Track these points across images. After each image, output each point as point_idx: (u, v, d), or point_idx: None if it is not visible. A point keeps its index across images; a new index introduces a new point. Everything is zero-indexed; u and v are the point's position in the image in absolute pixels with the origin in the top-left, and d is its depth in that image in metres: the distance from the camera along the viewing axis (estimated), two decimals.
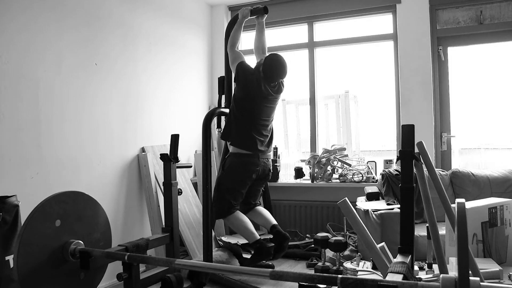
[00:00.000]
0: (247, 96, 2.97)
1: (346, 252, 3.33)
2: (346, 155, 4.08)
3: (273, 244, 2.94)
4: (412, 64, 3.97)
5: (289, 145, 4.69)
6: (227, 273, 2.92)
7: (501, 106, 3.90)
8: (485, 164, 3.98)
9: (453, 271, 2.01)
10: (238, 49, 3.20)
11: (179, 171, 3.69)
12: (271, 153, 3.16)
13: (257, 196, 3.21)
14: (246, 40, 4.88)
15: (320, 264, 3.02)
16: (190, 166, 3.28)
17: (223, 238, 3.70)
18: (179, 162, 2.80)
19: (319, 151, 4.32)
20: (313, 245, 3.63)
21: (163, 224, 3.01)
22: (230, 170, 2.99)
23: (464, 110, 4.00)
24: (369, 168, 3.99)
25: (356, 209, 3.24)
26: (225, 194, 2.97)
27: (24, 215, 2.07)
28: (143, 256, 2.09)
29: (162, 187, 3.03)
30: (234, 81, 3.05)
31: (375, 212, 3.11)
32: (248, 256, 3.48)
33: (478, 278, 1.21)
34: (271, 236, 3.05)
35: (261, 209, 3.18)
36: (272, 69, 2.95)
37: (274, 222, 3.08)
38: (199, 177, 4.10)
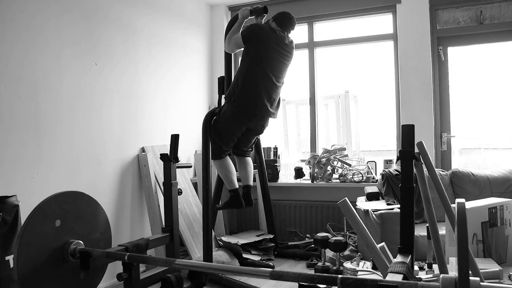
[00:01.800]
0: (260, 46, 3.01)
1: (346, 252, 3.33)
2: (346, 155, 4.08)
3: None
4: (412, 64, 3.97)
5: (289, 145, 4.69)
6: (227, 273, 2.92)
7: (501, 106, 3.90)
8: (485, 164, 3.98)
9: (453, 271, 2.01)
10: None
11: (179, 171, 3.69)
12: (272, 114, 3.17)
13: (248, 145, 3.35)
14: None
15: (320, 264, 3.02)
16: (190, 166, 3.28)
17: (223, 238, 3.70)
18: (179, 162, 2.80)
19: (319, 151, 4.32)
20: (313, 245, 3.63)
21: (163, 224, 3.02)
22: (225, 118, 3.08)
23: (464, 110, 4.00)
24: (369, 168, 3.99)
25: (356, 209, 3.24)
26: (216, 138, 3.13)
27: (24, 215, 2.07)
28: (143, 256, 2.09)
29: (162, 187, 3.03)
30: (244, 43, 3.06)
31: (375, 212, 3.11)
32: (248, 256, 3.49)
33: (478, 278, 1.21)
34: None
35: (248, 162, 3.38)
36: (283, 15, 3.20)
37: (250, 183, 3.34)
38: (199, 177, 4.10)
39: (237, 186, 3.23)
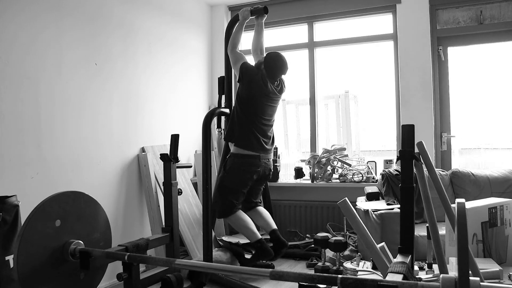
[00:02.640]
0: (252, 95, 2.99)
1: (346, 252, 3.33)
2: (346, 155, 4.08)
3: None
4: (412, 64, 3.97)
5: (289, 145, 4.69)
6: (227, 273, 2.92)
7: (501, 106, 3.90)
8: (485, 164, 3.97)
9: (453, 271, 2.01)
10: (239, 50, 3.20)
11: (179, 171, 3.69)
12: (272, 154, 3.19)
13: (258, 195, 3.24)
14: (246, 40, 4.88)
15: (320, 264, 3.02)
16: (190, 166, 3.28)
17: (223, 238, 3.70)
18: (179, 162, 2.80)
19: (319, 151, 4.32)
20: (313, 245, 3.63)
21: (163, 224, 3.01)
22: (232, 171, 3.00)
23: (464, 110, 4.00)
24: (369, 168, 3.99)
25: (356, 209, 3.24)
26: (227, 195, 3.00)
27: (24, 215, 2.07)
28: (143, 256, 2.09)
29: (162, 187, 3.03)
30: (238, 82, 3.06)
31: (375, 212, 3.11)
32: (249, 256, 3.48)
33: (478, 278, 1.21)
34: (269, 237, 3.07)
35: (262, 210, 3.21)
36: (274, 65, 3.02)
37: (274, 226, 3.11)
38: (199, 177, 4.10)
39: (260, 236, 3.00)
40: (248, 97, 2.99)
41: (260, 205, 3.25)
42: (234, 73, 3.20)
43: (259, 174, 3.05)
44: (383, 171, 3.60)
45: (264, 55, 3.15)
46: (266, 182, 3.27)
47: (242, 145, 2.99)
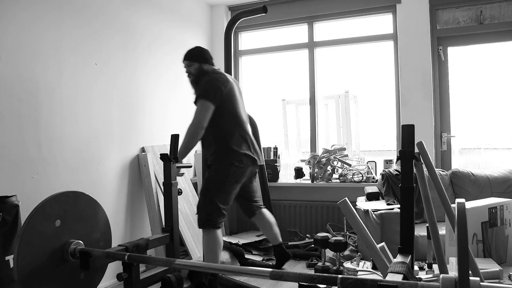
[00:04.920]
0: (230, 99, 2.91)
1: (346, 252, 3.33)
2: (346, 155, 4.08)
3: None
4: (412, 64, 3.97)
5: (289, 145, 4.68)
6: (227, 273, 2.91)
7: (501, 106, 3.90)
8: (485, 164, 3.98)
9: (453, 271, 2.01)
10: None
11: None
12: (260, 151, 3.06)
13: (256, 194, 3.04)
14: (246, 41, 4.89)
15: (320, 264, 3.02)
16: (190, 166, 3.27)
17: (224, 238, 3.69)
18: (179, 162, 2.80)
19: (319, 151, 4.32)
20: (313, 245, 3.63)
21: (163, 224, 3.01)
22: (225, 169, 2.72)
23: (464, 110, 4.00)
24: (369, 168, 3.99)
25: (356, 209, 3.24)
26: (213, 198, 2.67)
27: (24, 215, 2.07)
28: (143, 256, 2.09)
29: (162, 187, 3.03)
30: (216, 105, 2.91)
31: (375, 212, 3.11)
32: (250, 256, 3.48)
33: (478, 278, 1.21)
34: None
35: (269, 218, 3.05)
36: (205, 53, 3.15)
37: (280, 240, 3.10)
38: (199, 177, 4.10)
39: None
40: (228, 105, 2.88)
41: (263, 206, 3.06)
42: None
43: (252, 170, 2.85)
44: (383, 171, 3.60)
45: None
46: (255, 177, 2.99)
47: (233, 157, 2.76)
